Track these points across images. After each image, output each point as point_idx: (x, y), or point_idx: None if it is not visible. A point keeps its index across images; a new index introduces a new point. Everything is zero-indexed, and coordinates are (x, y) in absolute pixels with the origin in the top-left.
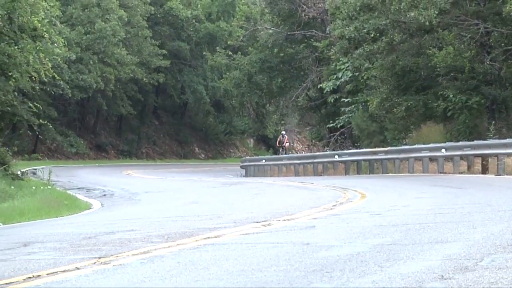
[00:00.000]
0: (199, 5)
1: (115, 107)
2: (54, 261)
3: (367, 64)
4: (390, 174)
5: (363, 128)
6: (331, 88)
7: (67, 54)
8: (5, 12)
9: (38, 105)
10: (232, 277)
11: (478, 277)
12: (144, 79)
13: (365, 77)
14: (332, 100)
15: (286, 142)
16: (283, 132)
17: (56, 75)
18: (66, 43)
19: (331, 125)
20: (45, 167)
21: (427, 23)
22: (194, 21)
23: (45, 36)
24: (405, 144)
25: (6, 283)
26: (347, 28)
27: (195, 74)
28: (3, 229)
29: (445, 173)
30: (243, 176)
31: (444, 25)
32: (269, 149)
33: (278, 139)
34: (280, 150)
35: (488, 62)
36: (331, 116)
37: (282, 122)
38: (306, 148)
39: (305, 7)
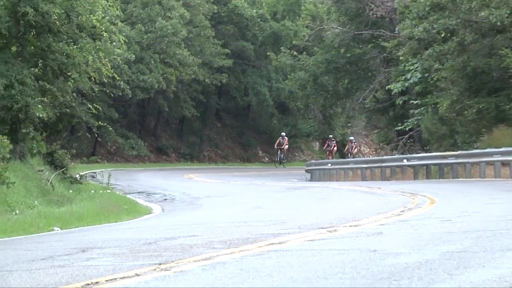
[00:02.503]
0: (264, 4)
1: (177, 108)
2: (113, 267)
3: (437, 65)
4: (460, 179)
5: (432, 131)
6: (400, 90)
7: (127, 54)
8: (63, 11)
9: (98, 107)
10: (296, 285)
11: None
12: (206, 80)
13: (435, 79)
14: (400, 102)
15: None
16: (283, 134)
17: (116, 75)
18: (126, 41)
19: (399, 128)
20: (104, 170)
21: (498, 23)
22: (259, 20)
23: (105, 35)
24: (476, 148)
25: None
26: (416, 29)
27: (259, 75)
28: (61, 234)
29: None
30: (308, 181)
31: None
32: (336, 153)
33: (278, 141)
34: (278, 153)
35: None
36: (399, 118)
37: (349, 124)
38: (374, 152)
39: (373, 5)
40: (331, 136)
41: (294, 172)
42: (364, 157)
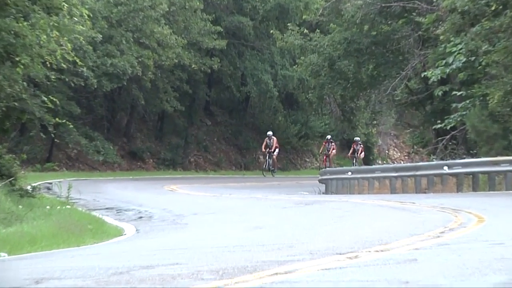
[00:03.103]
0: None
1: (155, 101)
2: None
3: (486, 46)
4: None
5: (481, 131)
6: (439, 78)
7: (92, 33)
8: None
9: (55, 99)
10: None
11: None
12: (193, 66)
13: (483, 63)
14: (440, 94)
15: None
16: (270, 133)
17: (78, 60)
18: (91, 16)
19: (439, 126)
20: (63, 181)
21: None
22: None
23: (64, 8)
24: None
25: None
26: None
27: (260, 59)
28: (10, 261)
29: None
30: (323, 193)
31: None
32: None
33: (265, 142)
34: (267, 158)
35: None
36: (438, 114)
37: (374, 122)
38: (406, 157)
39: None
40: (329, 137)
41: (305, 183)
42: (394, 163)
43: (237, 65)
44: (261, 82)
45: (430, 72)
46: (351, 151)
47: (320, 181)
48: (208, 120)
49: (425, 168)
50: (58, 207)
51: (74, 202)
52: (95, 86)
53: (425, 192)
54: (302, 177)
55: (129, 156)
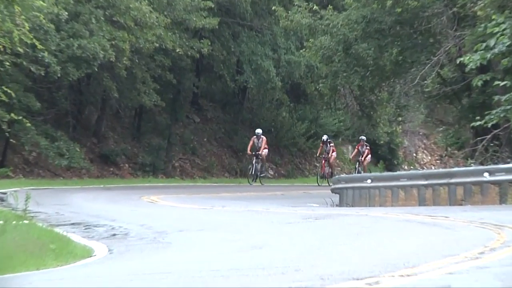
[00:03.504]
0: None
1: (132, 94)
2: None
3: None
4: None
5: None
6: (478, 65)
7: (55, 9)
8: None
9: (9, 91)
10: None
11: None
12: (178, 50)
13: None
14: (479, 84)
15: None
16: (259, 131)
17: (37, 42)
18: None
19: (478, 123)
20: (19, 190)
21: None
22: None
23: None
24: None
25: None
26: None
27: (259, 42)
28: None
29: None
30: (336, 206)
31: None
32: (378, 162)
33: (251, 142)
34: (253, 162)
35: None
36: (477, 109)
37: (399, 119)
38: (438, 161)
39: None
40: (325, 137)
41: (315, 193)
42: (423, 169)
43: (231, 49)
44: (260, 70)
45: (467, 57)
46: (354, 152)
47: (333, 190)
48: (196, 116)
49: (461, 174)
50: (14, 222)
51: (33, 216)
52: (59, 75)
53: (461, 204)
54: (311, 186)
55: (99, 160)
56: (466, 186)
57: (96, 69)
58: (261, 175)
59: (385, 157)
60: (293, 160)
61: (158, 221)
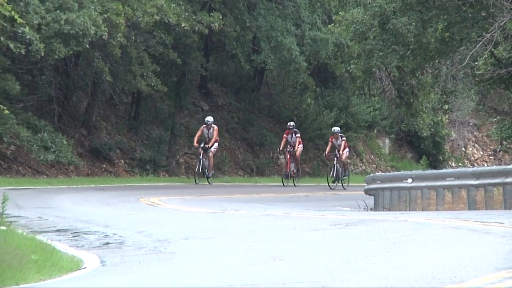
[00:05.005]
0: None
1: (127, 77)
2: None
3: None
4: None
5: None
6: None
7: None
8: None
9: None
10: None
11: None
12: (183, 25)
13: None
14: None
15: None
16: (210, 119)
17: (16, 16)
18: None
19: None
20: None
21: None
22: None
23: None
24: None
25: None
26: None
27: (280, 15)
28: None
29: None
30: (371, 209)
31: None
32: (420, 158)
33: (200, 131)
34: (200, 157)
35: None
36: None
37: (446, 107)
38: (491, 157)
39: None
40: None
41: (344, 194)
42: (474, 166)
43: (246, 24)
44: (281, 48)
45: None
46: (328, 147)
47: (367, 191)
48: (204, 103)
49: None
50: None
51: (11, 222)
52: (42, 54)
53: None
54: (339, 186)
55: (90, 154)
56: None
57: (87, 46)
58: (208, 173)
59: (429, 152)
60: (319, 156)
61: (159, 228)
